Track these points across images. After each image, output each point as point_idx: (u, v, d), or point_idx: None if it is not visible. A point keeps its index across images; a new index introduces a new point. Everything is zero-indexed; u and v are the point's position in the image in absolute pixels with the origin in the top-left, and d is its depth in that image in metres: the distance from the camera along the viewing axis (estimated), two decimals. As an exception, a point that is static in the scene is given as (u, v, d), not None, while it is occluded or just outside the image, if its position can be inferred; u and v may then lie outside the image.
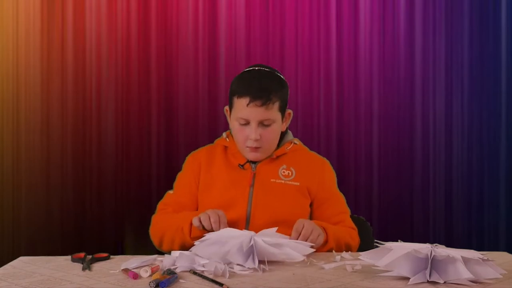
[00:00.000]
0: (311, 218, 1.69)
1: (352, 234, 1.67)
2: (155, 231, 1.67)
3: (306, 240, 1.44)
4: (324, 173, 1.71)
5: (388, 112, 3.06)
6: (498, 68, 3.07)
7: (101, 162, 3.02)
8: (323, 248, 1.54)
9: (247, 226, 1.60)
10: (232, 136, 1.71)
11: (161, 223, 1.67)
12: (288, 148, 1.69)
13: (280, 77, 1.68)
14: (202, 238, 1.39)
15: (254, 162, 1.67)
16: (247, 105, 1.58)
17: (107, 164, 3.02)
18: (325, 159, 1.77)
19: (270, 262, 1.36)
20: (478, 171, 3.07)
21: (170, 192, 1.74)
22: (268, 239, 1.36)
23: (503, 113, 3.07)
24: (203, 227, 1.48)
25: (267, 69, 1.68)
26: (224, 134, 1.74)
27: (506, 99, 3.07)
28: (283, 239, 1.40)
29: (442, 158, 3.07)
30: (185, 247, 1.54)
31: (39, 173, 3.00)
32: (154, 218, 1.70)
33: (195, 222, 1.49)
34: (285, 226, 1.51)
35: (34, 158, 3.00)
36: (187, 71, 3.03)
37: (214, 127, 2.97)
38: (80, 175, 3.02)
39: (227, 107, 1.70)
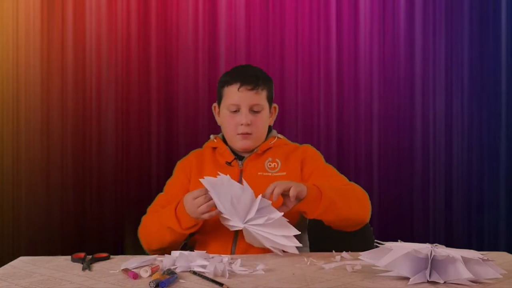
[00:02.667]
0: None
1: (354, 188, 1.66)
2: (142, 232, 1.67)
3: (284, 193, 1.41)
4: (305, 153, 1.73)
5: (388, 112, 3.06)
6: (498, 68, 3.07)
7: (101, 162, 3.02)
8: (321, 200, 1.46)
9: None
10: (219, 138, 1.75)
11: (148, 224, 1.66)
12: (272, 142, 1.73)
13: (265, 72, 1.75)
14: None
15: (240, 159, 1.70)
16: (238, 89, 1.64)
17: (107, 164, 3.02)
18: (307, 144, 1.79)
19: (270, 262, 1.36)
20: (478, 171, 3.07)
21: (161, 194, 1.75)
22: (263, 223, 1.41)
23: (503, 113, 3.07)
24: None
25: (252, 66, 1.77)
26: (212, 136, 1.78)
27: (506, 99, 3.07)
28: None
29: (442, 158, 3.07)
30: (177, 242, 1.58)
31: (39, 173, 3.00)
32: (143, 219, 1.69)
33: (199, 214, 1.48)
34: None
35: (34, 158, 3.00)
36: (187, 71, 3.03)
37: (214, 127, 2.95)
38: (80, 175, 3.02)
39: (215, 104, 1.75)
